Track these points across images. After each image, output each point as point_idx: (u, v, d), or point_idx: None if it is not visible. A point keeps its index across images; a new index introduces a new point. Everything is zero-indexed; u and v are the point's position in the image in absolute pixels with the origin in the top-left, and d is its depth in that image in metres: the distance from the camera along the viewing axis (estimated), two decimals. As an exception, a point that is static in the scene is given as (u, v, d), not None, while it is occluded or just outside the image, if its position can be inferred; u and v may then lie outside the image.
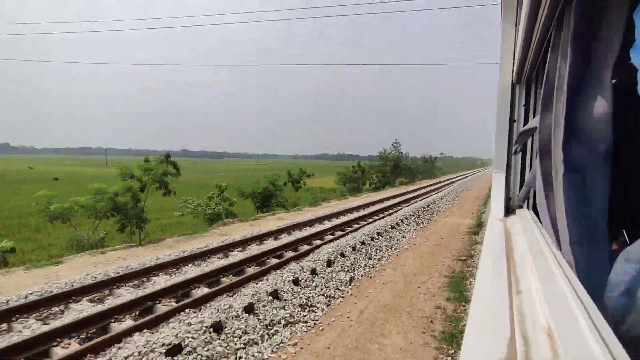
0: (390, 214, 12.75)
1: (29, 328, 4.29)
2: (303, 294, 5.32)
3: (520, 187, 1.65)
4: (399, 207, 14.71)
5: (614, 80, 0.70)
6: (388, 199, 18.56)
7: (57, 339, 3.86)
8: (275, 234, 9.65)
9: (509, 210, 1.62)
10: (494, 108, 1.61)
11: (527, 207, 1.59)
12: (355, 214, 12.85)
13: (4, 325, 4.30)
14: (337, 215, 12.86)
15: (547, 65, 0.91)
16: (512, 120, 1.57)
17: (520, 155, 1.65)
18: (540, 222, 1.16)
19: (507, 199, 1.63)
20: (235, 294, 5.20)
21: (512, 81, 1.54)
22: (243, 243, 8.51)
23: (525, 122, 1.57)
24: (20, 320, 4.41)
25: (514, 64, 1.46)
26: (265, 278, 5.85)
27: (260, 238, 9.02)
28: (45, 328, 4.17)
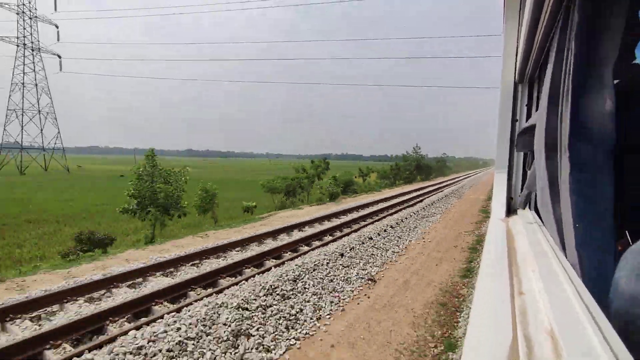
0: (435, 194, 21.56)
1: (351, 214, 13.14)
2: (427, 212, 14.18)
3: (522, 187, 1.59)
4: (438, 191, 23.58)
5: (615, 81, 0.71)
6: (424, 188, 27.37)
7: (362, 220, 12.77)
8: (380, 202, 18.38)
9: (510, 211, 1.59)
10: (496, 109, 1.59)
11: (529, 208, 1.52)
12: (415, 194, 21.68)
13: (335, 219, 13.15)
14: (405, 194, 21.68)
15: (551, 64, 0.92)
16: (514, 120, 1.56)
17: (522, 154, 1.60)
18: (543, 222, 1.14)
19: (509, 199, 1.60)
20: (398, 212, 14.00)
21: (515, 80, 1.54)
22: (373, 203, 17.30)
23: (528, 121, 1.52)
24: (341, 216, 13.29)
25: (516, 63, 1.46)
26: (405, 209, 14.64)
27: (377, 202, 17.77)
28: (348, 217, 13.02)
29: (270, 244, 8.80)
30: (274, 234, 9.79)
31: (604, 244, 0.67)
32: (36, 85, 58.43)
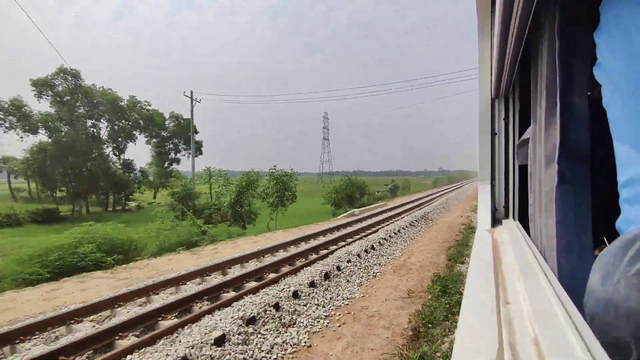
0: (451, 191, 42.46)
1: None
2: (454, 199, 35.38)
3: (506, 197, 1.64)
4: (453, 190, 44.76)
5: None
6: (439, 191, 48.22)
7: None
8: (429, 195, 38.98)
9: (495, 221, 1.62)
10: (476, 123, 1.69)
11: (514, 218, 1.56)
12: (444, 191, 42.69)
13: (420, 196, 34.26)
14: (440, 192, 42.52)
15: (528, 79, 0.93)
16: (493, 133, 1.64)
17: (503, 166, 1.65)
18: (528, 232, 1.16)
19: (494, 210, 1.64)
20: (450, 192, 34.93)
21: (492, 96, 1.61)
22: (430, 194, 38.18)
23: (506, 134, 1.63)
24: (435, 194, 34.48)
25: (491, 80, 1.53)
26: (447, 194, 35.55)
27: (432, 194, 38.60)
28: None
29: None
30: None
31: (584, 251, 0.71)
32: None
